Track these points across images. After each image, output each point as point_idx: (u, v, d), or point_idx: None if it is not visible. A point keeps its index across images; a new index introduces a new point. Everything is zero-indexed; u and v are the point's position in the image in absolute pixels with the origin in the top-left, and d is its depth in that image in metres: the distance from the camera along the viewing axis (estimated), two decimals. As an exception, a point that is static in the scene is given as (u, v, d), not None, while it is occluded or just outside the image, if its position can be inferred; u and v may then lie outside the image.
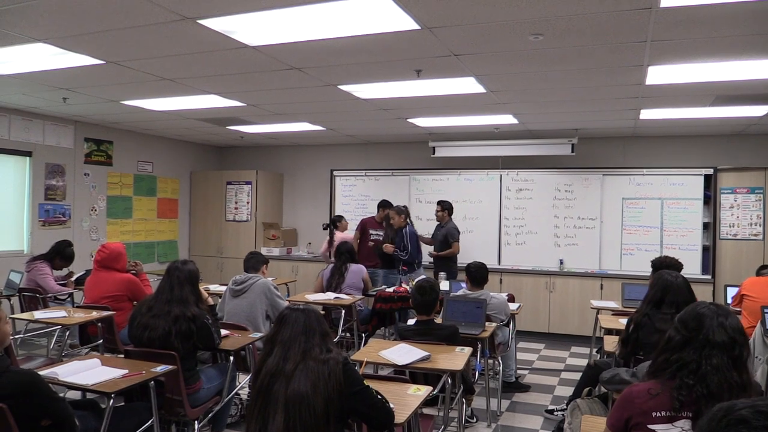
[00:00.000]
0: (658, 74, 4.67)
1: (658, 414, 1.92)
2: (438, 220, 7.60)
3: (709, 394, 1.90)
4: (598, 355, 5.41)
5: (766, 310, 4.67)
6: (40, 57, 4.56)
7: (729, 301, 5.84)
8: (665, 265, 4.45)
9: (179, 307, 3.50)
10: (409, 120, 7.14)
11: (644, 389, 2.00)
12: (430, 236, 7.87)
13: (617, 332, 4.26)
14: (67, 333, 4.65)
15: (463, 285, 5.33)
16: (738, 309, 5.44)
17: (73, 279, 6.25)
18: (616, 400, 2.09)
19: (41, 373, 2.93)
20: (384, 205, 7.93)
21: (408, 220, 7.44)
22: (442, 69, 4.69)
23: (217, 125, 7.87)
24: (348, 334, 5.96)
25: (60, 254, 6.09)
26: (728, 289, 6.12)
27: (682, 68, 4.52)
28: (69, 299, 6.09)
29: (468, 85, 5.20)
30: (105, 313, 4.59)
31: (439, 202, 7.63)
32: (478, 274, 5.04)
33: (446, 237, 7.42)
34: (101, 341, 4.60)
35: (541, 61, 4.45)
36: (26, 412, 2.40)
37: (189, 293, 3.57)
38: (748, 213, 7.40)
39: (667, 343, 2.07)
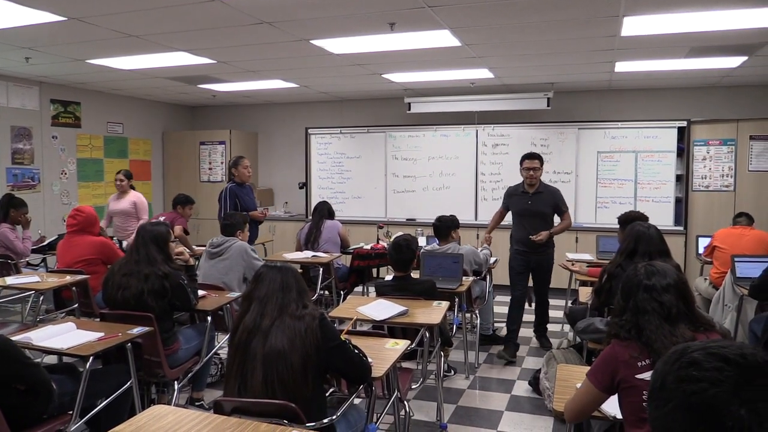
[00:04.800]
0: (634, 25, 4.64)
1: (643, 363, 1.97)
2: (534, 185, 5.28)
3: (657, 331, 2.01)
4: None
5: (736, 259, 4.79)
6: (-3, 14, 4.37)
7: (701, 251, 5.96)
8: (631, 219, 4.48)
9: (148, 266, 3.50)
10: (383, 75, 7.03)
11: (625, 347, 2.05)
12: (499, 212, 5.81)
13: (592, 284, 4.33)
14: (41, 298, 4.58)
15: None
16: (709, 260, 5.58)
17: (45, 243, 6.12)
18: (598, 360, 2.12)
19: (15, 338, 2.89)
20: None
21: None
22: (416, 21, 4.60)
23: (187, 84, 7.68)
24: (326, 292, 5.98)
25: (9, 207, 5.63)
26: (700, 239, 6.25)
27: (658, 18, 4.49)
28: (42, 264, 5.99)
29: (443, 38, 5.12)
30: (79, 277, 4.53)
31: (536, 156, 5.27)
32: (442, 227, 5.15)
33: (558, 205, 5.38)
34: (76, 305, 4.55)
35: (516, 13, 4.38)
36: None
37: (155, 252, 3.56)
38: (720, 165, 7.50)
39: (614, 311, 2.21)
